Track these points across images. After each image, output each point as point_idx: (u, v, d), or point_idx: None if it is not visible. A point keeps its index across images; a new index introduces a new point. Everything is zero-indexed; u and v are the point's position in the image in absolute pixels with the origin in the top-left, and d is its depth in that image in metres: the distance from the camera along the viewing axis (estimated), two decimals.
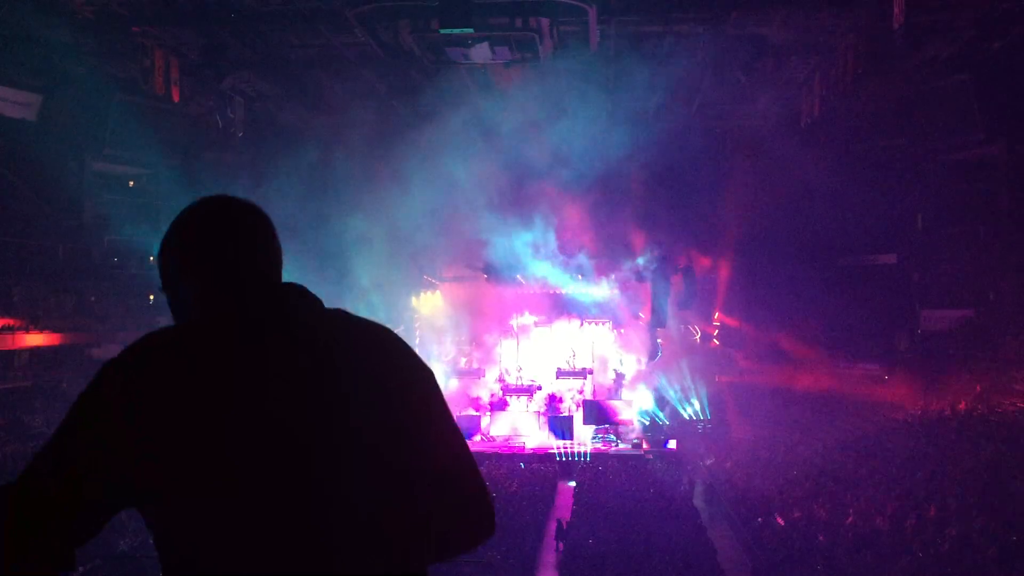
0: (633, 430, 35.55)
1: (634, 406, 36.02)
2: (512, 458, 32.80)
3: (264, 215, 2.02)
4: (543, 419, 36.30)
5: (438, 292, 40.29)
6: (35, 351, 29.70)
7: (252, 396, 1.70)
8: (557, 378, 37.17)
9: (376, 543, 1.71)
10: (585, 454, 32.70)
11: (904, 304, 32.59)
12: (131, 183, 34.06)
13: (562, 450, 32.98)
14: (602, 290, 39.27)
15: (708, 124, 34.34)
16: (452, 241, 36.26)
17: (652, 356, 37.93)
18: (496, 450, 33.96)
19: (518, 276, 37.94)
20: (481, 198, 33.32)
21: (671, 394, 36.44)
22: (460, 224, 34.56)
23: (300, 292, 1.95)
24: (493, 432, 36.20)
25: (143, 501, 1.67)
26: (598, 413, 35.72)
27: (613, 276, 39.08)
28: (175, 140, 31.80)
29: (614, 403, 36.27)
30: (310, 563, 1.64)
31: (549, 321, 38.77)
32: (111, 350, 30.69)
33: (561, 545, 22.25)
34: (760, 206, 33.35)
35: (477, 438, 35.33)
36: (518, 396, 37.18)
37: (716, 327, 38.57)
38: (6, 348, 28.24)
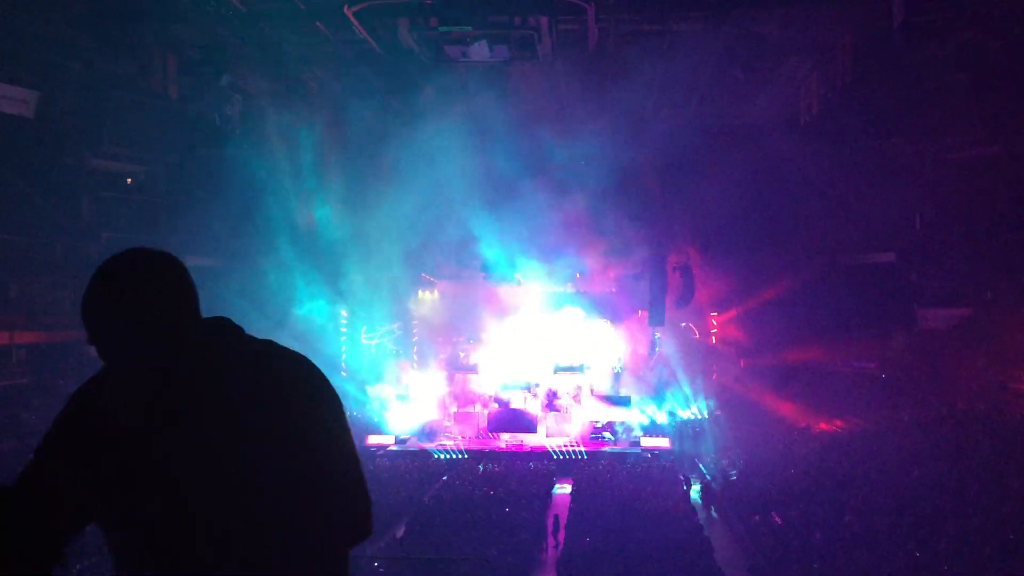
0: (630, 428, 35.56)
1: (631, 403, 36.00)
2: (510, 456, 32.81)
3: (177, 262, 2.27)
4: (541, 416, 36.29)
5: (435, 291, 40.27)
6: (32, 348, 29.67)
7: (178, 428, 2.01)
8: (554, 373, 37.14)
9: (285, 548, 2.07)
10: (582, 452, 32.70)
11: (902, 303, 32.61)
12: (129, 180, 34.00)
13: (559, 448, 32.98)
14: (599, 288, 39.26)
15: (706, 122, 34.35)
16: (449, 239, 36.25)
17: (650, 354, 37.97)
18: (493, 447, 34.01)
19: (516, 274, 37.93)
20: (478, 196, 33.30)
21: (668, 392, 36.45)
22: (457, 222, 34.55)
23: (221, 328, 2.28)
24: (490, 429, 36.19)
25: (94, 518, 2.01)
26: (593, 407, 35.94)
27: (610, 274, 39.08)
28: (173, 137, 31.71)
29: (609, 397, 36.47)
30: (230, 568, 1.99)
31: (546, 319, 38.73)
32: None
33: (559, 542, 22.25)
34: (758, 204, 33.38)
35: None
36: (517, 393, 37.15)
37: (714, 325, 38.60)
38: (3, 344, 28.21)
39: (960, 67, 26.71)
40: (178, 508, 1.96)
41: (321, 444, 2.20)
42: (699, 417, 35.65)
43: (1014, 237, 27.98)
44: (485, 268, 37.65)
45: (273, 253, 32.89)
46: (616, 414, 35.97)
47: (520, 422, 35.82)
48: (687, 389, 36.43)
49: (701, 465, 31.78)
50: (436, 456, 32.53)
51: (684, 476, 29.80)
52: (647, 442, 33.93)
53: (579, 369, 37.20)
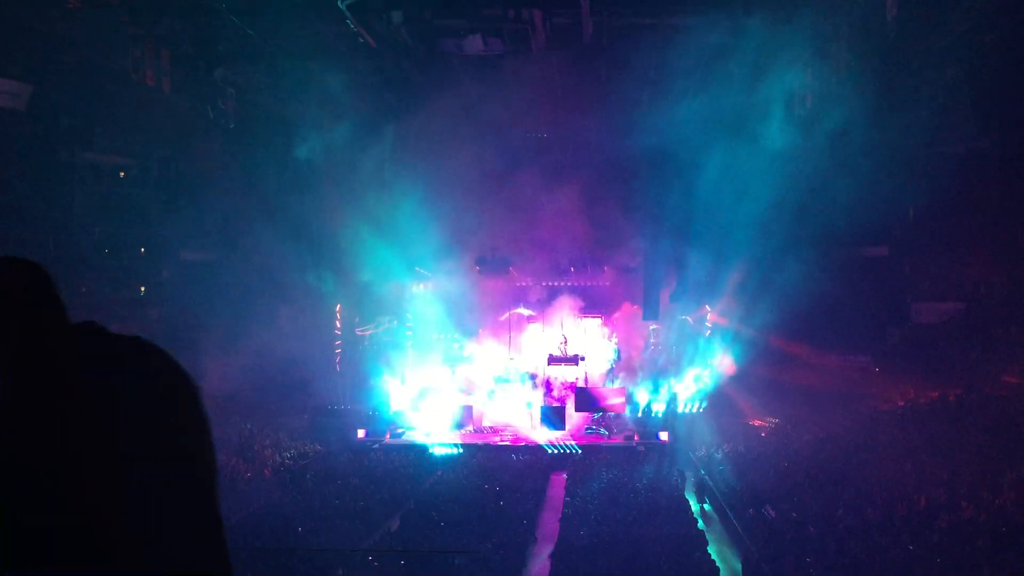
0: (625, 422, 35.60)
1: (626, 397, 36.01)
2: (504, 450, 32.83)
3: (41, 269, 2.23)
4: (536, 409, 36.27)
5: (430, 285, 40.24)
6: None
7: (39, 429, 1.99)
8: (549, 364, 37.16)
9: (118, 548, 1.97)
10: (576, 446, 32.74)
11: (895, 297, 32.68)
12: (122, 174, 33.87)
13: (554, 442, 33.03)
14: (594, 281, 39.28)
15: (701, 115, 34.29)
16: (443, 233, 36.20)
17: (644, 347, 38.03)
18: (487, 441, 34.05)
19: (510, 268, 37.94)
20: (472, 188, 33.27)
21: (662, 384, 36.51)
22: (450, 215, 34.49)
23: (89, 329, 2.23)
24: (485, 423, 36.22)
25: None
26: (589, 400, 35.73)
27: (605, 267, 39.09)
28: (166, 131, 31.60)
29: (605, 389, 36.28)
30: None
31: (542, 312, 38.75)
32: None
33: (552, 535, 22.30)
34: (752, 198, 33.36)
35: (469, 428, 35.41)
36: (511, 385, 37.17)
37: (708, 319, 38.63)
38: None
39: (953, 60, 26.75)
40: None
41: (188, 437, 2.12)
42: (693, 410, 35.72)
43: (1006, 231, 28.07)
44: (479, 261, 37.66)
45: (265, 247, 32.82)
46: (610, 405, 35.96)
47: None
48: (681, 382, 36.49)
49: (695, 458, 31.83)
50: (430, 450, 32.57)
51: (678, 469, 29.87)
52: (641, 435, 34.01)
53: (573, 360, 37.19)
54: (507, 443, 33.83)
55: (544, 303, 38.91)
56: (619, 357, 38.17)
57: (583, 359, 37.14)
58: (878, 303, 33.03)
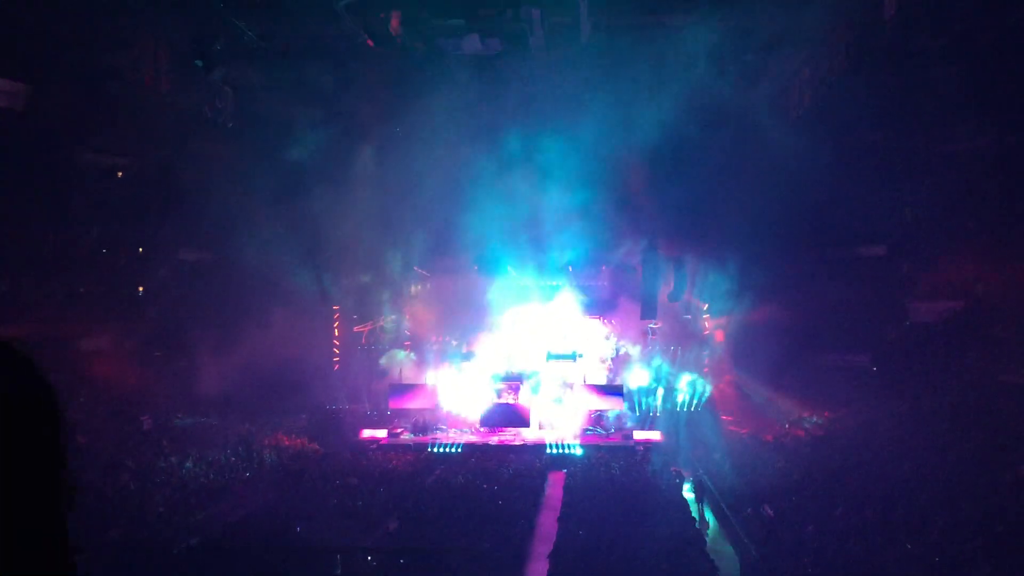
0: (623, 421, 35.61)
1: (624, 396, 36.03)
2: (503, 450, 32.80)
3: None
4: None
5: (429, 284, 40.21)
6: (23, 342, 29.47)
7: None
8: (547, 361, 37.13)
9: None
10: (573, 446, 32.73)
11: (893, 296, 32.64)
12: (120, 174, 33.81)
13: (553, 442, 33.02)
14: (592, 280, 39.27)
15: (699, 115, 34.30)
16: (441, 232, 36.16)
17: (643, 346, 38.02)
18: (485, 441, 34.02)
19: (508, 267, 37.93)
20: (470, 188, 33.24)
21: (661, 383, 36.52)
22: (448, 214, 34.47)
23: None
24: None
25: None
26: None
27: (603, 266, 39.09)
28: (164, 131, 31.56)
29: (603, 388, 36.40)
30: None
31: (540, 311, 38.75)
32: (100, 341, 30.39)
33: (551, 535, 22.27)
34: (750, 197, 33.37)
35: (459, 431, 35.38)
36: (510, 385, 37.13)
37: (706, 318, 38.66)
38: None
39: (951, 59, 26.75)
40: None
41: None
42: (691, 409, 35.71)
43: (1004, 229, 28.05)
44: (477, 261, 37.64)
45: (263, 247, 32.78)
46: (608, 404, 36.01)
47: (513, 417, 35.80)
48: (679, 381, 36.48)
49: (693, 457, 31.82)
50: (429, 450, 32.54)
51: (676, 469, 29.86)
52: (639, 435, 34.02)
53: (571, 357, 37.17)
54: (506, 444, 33.78)
55: (543, 301, 38.92)
56: (617, 356, 38.21)
57: (582, 356, 37.18)
58: (876, 302, 33.00)
